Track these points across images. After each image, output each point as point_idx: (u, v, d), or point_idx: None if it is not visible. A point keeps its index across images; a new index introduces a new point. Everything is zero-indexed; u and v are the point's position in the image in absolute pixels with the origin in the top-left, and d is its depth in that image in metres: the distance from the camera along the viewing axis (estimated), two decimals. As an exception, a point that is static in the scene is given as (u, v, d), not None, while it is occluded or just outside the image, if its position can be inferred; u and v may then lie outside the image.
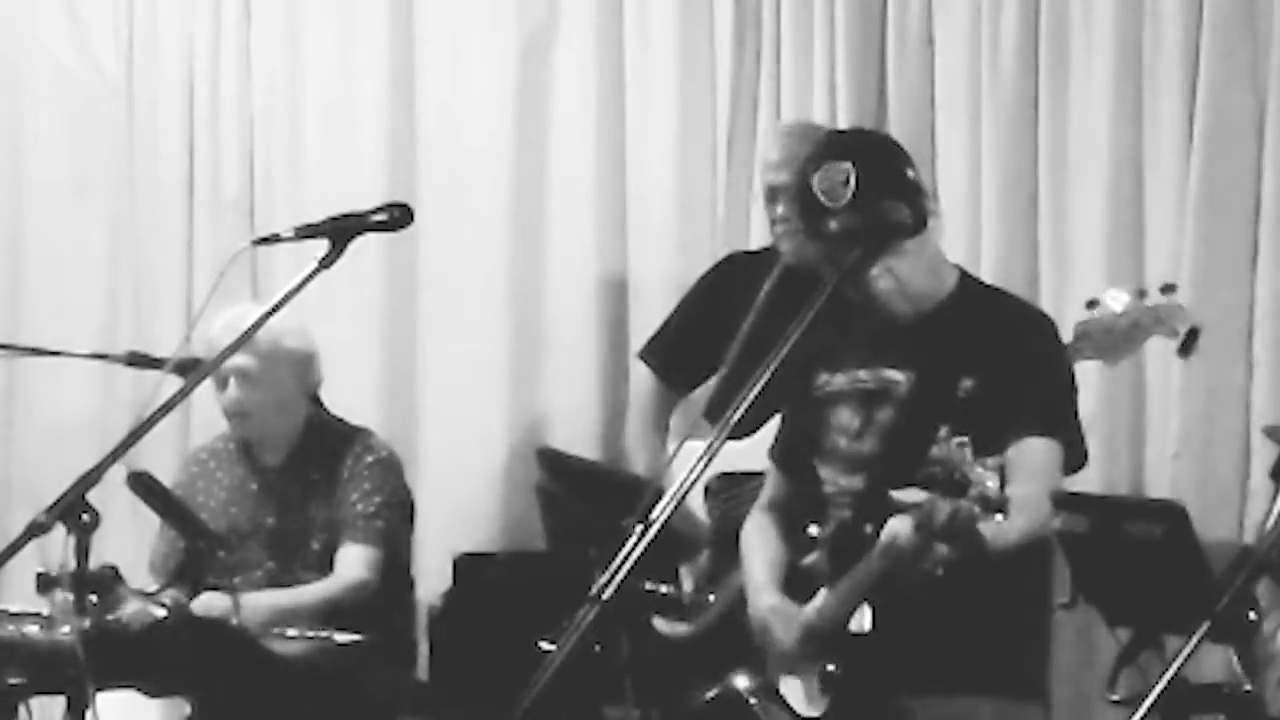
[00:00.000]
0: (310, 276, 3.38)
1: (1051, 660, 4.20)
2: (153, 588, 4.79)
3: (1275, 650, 3.69)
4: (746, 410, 3.58)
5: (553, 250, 6.08)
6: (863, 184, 3.85)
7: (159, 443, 5.52)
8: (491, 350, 6.07)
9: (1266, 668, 3.74)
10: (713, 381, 5.05)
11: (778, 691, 3.99)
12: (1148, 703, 2.93)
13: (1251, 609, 3.46)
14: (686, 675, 4.44)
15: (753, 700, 4.02)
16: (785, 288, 4.90)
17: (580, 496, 5.57)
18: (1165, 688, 2.93)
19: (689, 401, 5.32)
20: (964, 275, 4.08)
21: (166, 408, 3.31)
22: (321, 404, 5.22)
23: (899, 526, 3.63)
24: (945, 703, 3.88)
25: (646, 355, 5.37)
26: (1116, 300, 4.41)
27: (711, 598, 4.85)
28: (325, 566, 5.06)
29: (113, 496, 3.96)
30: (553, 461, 5.79)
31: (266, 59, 6.24)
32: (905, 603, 3.76)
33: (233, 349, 3.66)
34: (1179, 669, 2.95)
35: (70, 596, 3.49)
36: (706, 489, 4.97)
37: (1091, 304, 4.42)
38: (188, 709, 4.58)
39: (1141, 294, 4.40)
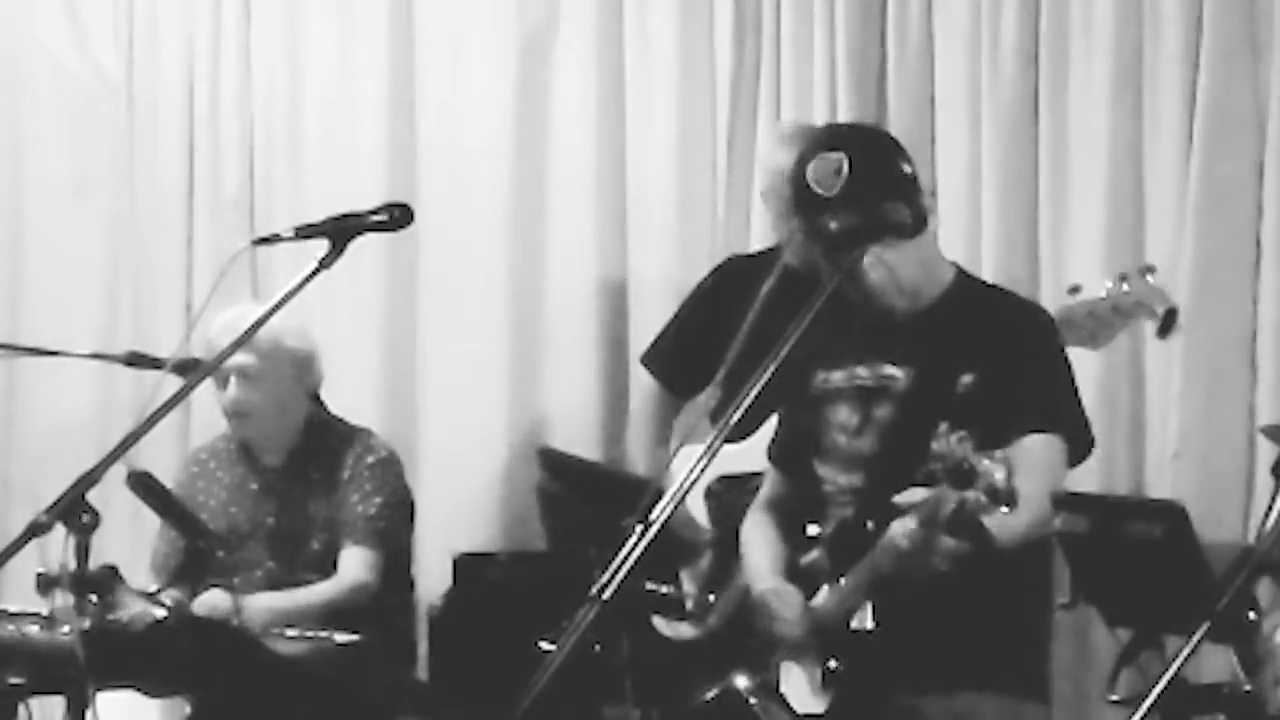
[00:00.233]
0: (310, 276, 3.38)
1: (1051, 659, 4.20)
2: (153, 588, 4.79)
3: (1275, 649, 3.68)
4: (746, 411, 3.58)
5: (553, 250, 6.08)
6: (856, 176, 3.85)
7: (159, 443, 5.52)
8: (491, 350, 6.07)
9: (1266, 667, 3.74)
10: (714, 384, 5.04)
11: (778, 691, 3.99)
12: (1148, 703, 2.92)
13: (1251, 609, 3.46)
14: (686, 675, 4.43)
15: (753, 700, 4.02)
16: (785, 288, 4.89)
17: (580, 497, 5.57)
18: (1165, 688, 2.92)
19: (691, 401, 5.31)
20: (960, 271, 4.08)
21: (166, 408, 3.30)
22: (322, 404, 5.23)
23: (903, 526, 3.63)
24: (947, 700, 3.88)
25: (648, 361, 5.37)
26: (1098, 285, 4.43)
27: (713, 598, 4.85)
28: (325, 566, 5.06)
29: (113, 496, 3.95)
30: (553, 462, 5.79)
31: (266, 59, 6.24)
32: (907, 600, 3.76)
33: (233, 349, 3.66)
34: (1179, 669, 2.94)
35: (70, 596, 3.49)
36: (707, 491, 4.97)
37: (1074, 289, 4.45)
38: (188, 709, 4.58)
39: (1122, 278, 4.42)
